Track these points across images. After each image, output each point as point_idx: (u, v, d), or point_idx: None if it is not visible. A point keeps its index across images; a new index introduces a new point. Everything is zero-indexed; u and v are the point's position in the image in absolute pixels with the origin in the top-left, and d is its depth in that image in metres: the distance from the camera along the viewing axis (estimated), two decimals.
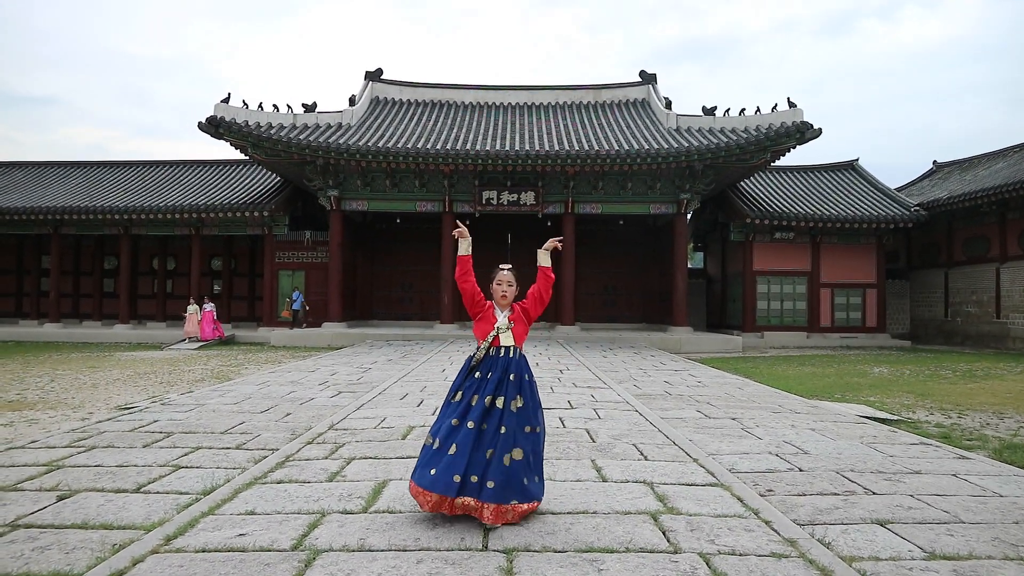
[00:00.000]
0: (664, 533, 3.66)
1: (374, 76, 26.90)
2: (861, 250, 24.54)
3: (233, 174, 27.72)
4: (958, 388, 11.73)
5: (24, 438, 6.75)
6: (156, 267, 27.13)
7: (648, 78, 27.11)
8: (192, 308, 22.44)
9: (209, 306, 22.28)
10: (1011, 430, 7.83)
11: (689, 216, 23.92)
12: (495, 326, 4.01)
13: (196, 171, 28.36)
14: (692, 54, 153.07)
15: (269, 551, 3.37)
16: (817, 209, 24.00)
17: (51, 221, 24.58)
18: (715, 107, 23.30)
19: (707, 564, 3.23)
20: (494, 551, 3.39)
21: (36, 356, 17.41)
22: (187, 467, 5.21)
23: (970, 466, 5.48)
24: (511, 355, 4.00)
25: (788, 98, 21.86)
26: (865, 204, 24.78)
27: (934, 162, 29.91)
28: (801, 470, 5.22)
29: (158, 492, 4.52)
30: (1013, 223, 22.10)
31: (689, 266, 26.13)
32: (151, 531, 3.68)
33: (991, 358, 18.23)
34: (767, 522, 3.87)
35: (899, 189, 28.34)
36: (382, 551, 3.36)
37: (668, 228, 24.04)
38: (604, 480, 4.80)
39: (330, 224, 23.13)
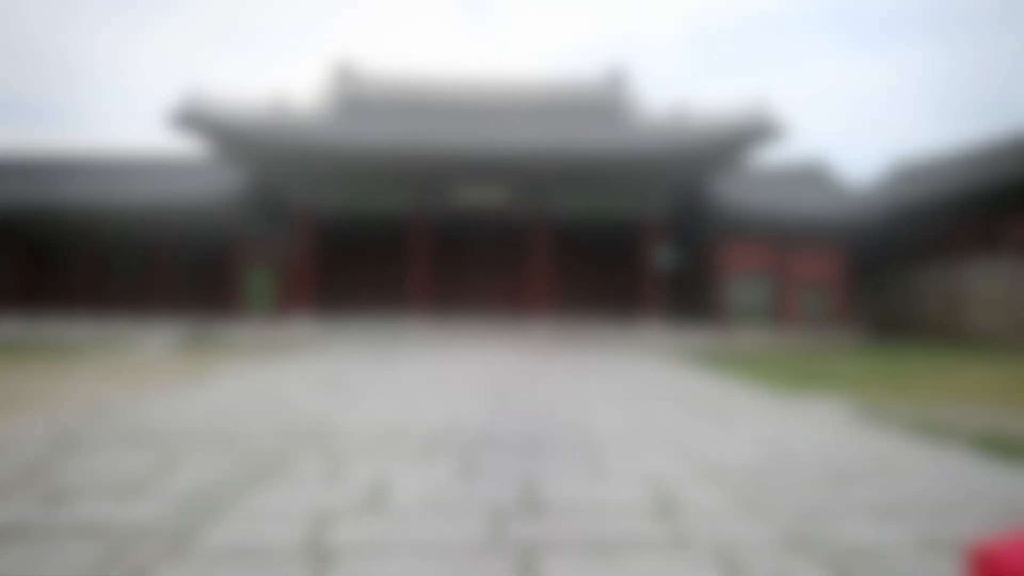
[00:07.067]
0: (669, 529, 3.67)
1: (341, 72, 26.61)
2: (826, 248, 25.05)
3: (199, 171, 27.16)
4: (929, 381, 12.03)
5: None
6: (120, 265, 26.48)
7: (616, 75, 27.28)
8: None
9: None
10: (987, 421, 8.04)
11: (658, 215, 24.13)
12: None
13: (161, 167, 27.72)
14: (660, 40, 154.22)
15: (286, 551, 3.30)
16: (784, 208, 24.41)
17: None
18: (684, 105, 23.53)
19: (720, 556, 3.26)
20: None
21: None
22: (182, 467, 5.08)
23: (958, 457, 5.62)
24: None
25: (759, 96, 22.28)
26: (830, 203, 25.27)
27: (896, 160, 30.61)
28: (791, 466, 5.29)
29: (156, 492, 4.40)
30: (974, 221, 22.73)
31: (658, 265, 26.37)
32: (159, 531, 3.58)
33: (954, 353, 18.75)
34: (770, 517, 3.91)
35: (863, 188, 28.96)
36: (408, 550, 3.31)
37: (637, 227, 24.27)
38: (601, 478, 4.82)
39: (298, 222, 22.83)
